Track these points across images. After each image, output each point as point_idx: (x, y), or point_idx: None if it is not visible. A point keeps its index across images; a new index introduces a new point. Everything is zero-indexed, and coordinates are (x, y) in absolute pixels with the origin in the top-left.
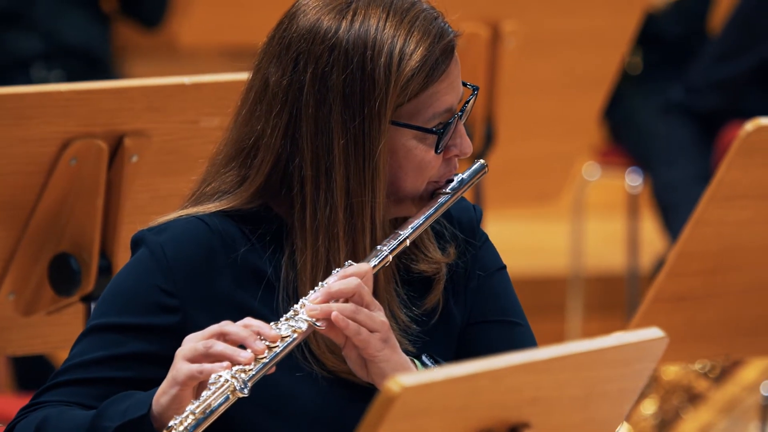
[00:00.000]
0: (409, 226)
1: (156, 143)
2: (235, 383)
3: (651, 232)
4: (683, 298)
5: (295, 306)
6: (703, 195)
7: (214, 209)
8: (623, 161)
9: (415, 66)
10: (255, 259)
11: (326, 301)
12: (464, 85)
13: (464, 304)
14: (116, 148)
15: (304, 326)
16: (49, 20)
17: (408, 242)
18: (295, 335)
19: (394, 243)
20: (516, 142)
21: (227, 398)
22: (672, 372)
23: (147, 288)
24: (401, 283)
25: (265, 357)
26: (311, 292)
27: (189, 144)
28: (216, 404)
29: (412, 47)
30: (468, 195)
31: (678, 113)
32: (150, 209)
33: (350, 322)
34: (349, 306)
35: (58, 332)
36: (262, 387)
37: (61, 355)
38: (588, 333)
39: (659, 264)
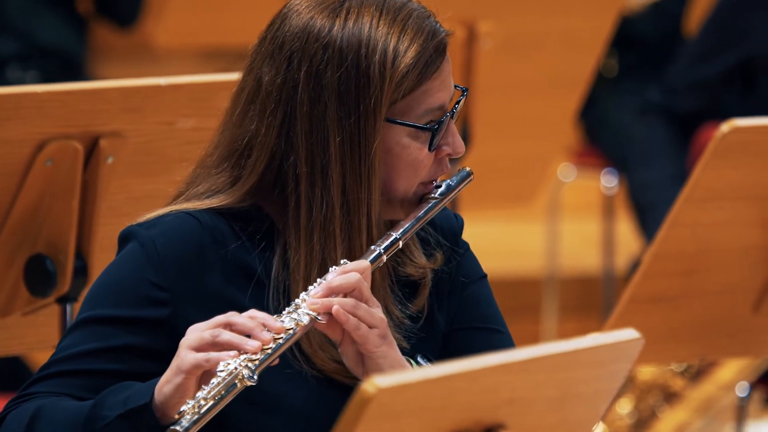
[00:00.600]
0: (401, 229)
1: (132, 144)
2: (244, 371)
3: (627, 233)
4: (659, 299)
5: (296, 300)
6: (679, 196)
7: (204, 206)
8: (599, 162)
9: (410, 63)
10: (245, 256)
11: (327, 295)
12: (454, 87)
13: (447, 311)
14: (92, 149)
15: (306, 319)
16: (25, 21)
17: (401, 244)
18: (297, 328)
19: (388, 243)
20: (491, 143)
21: (235, 386)
22: (648, 371)
23: (138, 281)
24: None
25: (270, 348)
26: (311, 287)
27: (165, 145)
28: (225, 392)
29: (406, 44)
30: None
31: (655, 114)
32: (125, 210)
33: (350, 316)
34: (350, 301)
35: (34, 333)
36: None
37: (37, 356)
38: (564, 334)
39: (635, 265)
